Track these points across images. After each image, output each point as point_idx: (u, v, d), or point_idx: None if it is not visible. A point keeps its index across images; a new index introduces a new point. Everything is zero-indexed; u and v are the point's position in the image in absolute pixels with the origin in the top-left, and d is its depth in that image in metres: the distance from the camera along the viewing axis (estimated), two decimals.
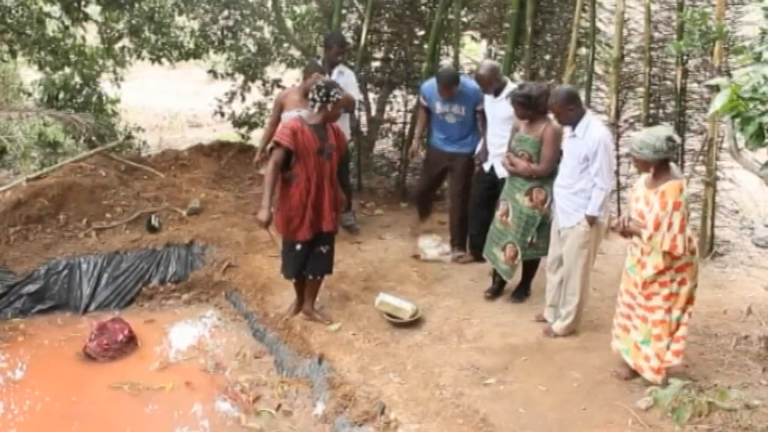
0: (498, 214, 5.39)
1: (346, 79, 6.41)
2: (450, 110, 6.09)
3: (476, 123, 6.08)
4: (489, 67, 5.65)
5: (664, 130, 4.05)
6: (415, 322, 5.21)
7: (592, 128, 4.62)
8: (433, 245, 6.47)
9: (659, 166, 3.98)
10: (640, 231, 4.01)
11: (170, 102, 13.38)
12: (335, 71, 6.48)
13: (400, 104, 8.44)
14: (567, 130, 4.80)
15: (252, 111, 9.51)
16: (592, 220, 4.69)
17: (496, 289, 5.67)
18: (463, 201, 6.21)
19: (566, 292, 4.93)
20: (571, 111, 4.65)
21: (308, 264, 5.11)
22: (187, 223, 6.89)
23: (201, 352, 5.45)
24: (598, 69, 6.89)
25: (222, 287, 6.21)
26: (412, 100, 8.15)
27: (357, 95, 6.78)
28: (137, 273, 6.27)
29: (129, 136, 9.11)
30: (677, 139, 4.02)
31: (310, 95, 4.87)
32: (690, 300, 4.18)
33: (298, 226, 4.96)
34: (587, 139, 4.59)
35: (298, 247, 5.03)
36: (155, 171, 7.71)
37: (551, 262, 5.01)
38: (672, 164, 4.06)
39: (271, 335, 5.41)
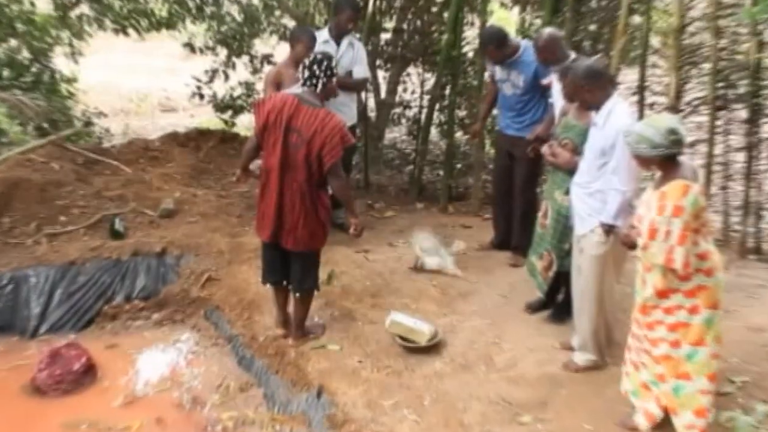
0: (539, 215, 5.42)
1: (356, 53, 6.45)
2: (508, 77, 6.25)
3: (543, 101, 6.15)
4: (548, 36, 5.67)
5: (667, 120, 3.88)
6: (433, 347, 5.22)
7: (615, 115, 4.49)
8: (431, 249, 6.53)
9: (663, 164, 3.85)
10: (637, 240, 3.92)
11: (138, 81, 13.44)
12: (344, 42, 6.52)
13: (415, 84, 8.47)
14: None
15: (237, 92, 9.53)
16: (607, 229, 4.59)
17: (542, 304, 5.69)
18: (526, 201, 6.30)
19: (578, 315, 4.93)
20: (588, 92, 4.56)
21: (289, 273, 5.24)
22: (158, 228, 6.93)
23: (175, 383, 5.42)
24: (655, 41, 6.86)
25: (201, 305, 6.24)
26: (430, 80, 8.16)
27: (366, 73, 6.82)
28: (98, 288, 6.27)
29: (88, 123, 9.16)
30: (682, 131, 3.81)
31: (306, 72, 4.87)
32: (709, 336, 3.92)
33: (259, 220, 5.13)
34: (607, 129, 4.49)
35: (264, 245, 5.21)
36: (120, 165, 7.75)
37: (574, 275, 4.99)
38: (685, 161, 3.91)
39: (259, 363, 5.40)
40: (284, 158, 4.84)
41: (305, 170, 4.83)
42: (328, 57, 4.94)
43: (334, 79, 4.92)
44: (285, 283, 5.31)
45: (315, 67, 4.84)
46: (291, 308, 5.43)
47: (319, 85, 4.86)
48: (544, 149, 5.26)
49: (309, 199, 4.91)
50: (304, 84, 4.88)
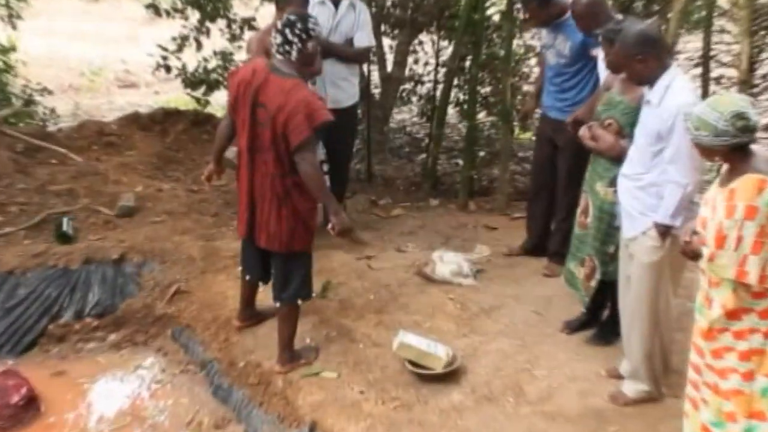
0: (577, 212, 5.43)
1: (357, 17, 6.52)
2: (553, 43, 6.33)
3: (591, 77, 6.18)
4: (587, 0, 5.76)
5: (734, 101, 3.70)
6: (451, 375, 5.21)
7: (673, 92, 4.42)
8: (447, 257, 6.57)
9: (730, 155, 3.71)
10: (701, 249, 3.80)
11: (91, 51, 13.39)
12: (344, 4, 6.60)
13: (428, 55, 8.46)
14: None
15: (212, 64, 9.50)
16: (663, 231, 4.54)
17: (584, 322, 5.72)
18: (570, 200, 6.24)
19: (628, 336, 4.93)
20: (640, 63, 4.47)
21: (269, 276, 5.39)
22: (115, 230, 6.96)
23: (136, 419, 5.39)
24: (723, 0, 6.85)
25: (167, 323, 6.23)
26: (446, 50, 8.16)
27: (369, 40, 6.88)
28: (41, 303, 6.25)
29: (29, 101, 9.14)
30: (753, 115, 3.64)
31: (278, 37, 4.88)
32: None
33: (240, 213, 5.26)
34: (663, 108, 4.42)
35: (243, 241, 5.39)
36: (68, 153, 7.74)
37: (622, 286, 5.01)
38: (758, 151, 3.74)
39: (239, 394, 5.39)
40: (252, 138, 4.90)
41: (273, 152, 4.85)
42: (302, 17, 4.93)
43: (311, 44, 4.89)
44: (263, 284, 5.52)
45: (287, 30, 4.83)
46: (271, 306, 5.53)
47: (293, 52, 4.84)
48: (583, 132, 5.25)
49: (281, 188, 4.92)
50: (277, 52, 4.89)
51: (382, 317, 5.95)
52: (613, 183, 5.01)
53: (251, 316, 5.78)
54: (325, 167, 6.57)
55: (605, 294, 5.44)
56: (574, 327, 5.74)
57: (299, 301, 5.27)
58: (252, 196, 5.03)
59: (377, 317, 5.94)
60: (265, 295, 5.70)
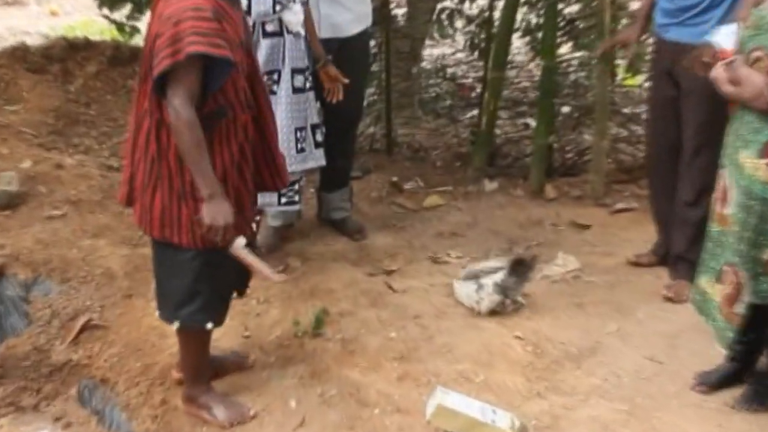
0: (713, 198, 5.42)
1: None
2: None
3: None
4: None
5: None
6: None
7: None
8: (476, 272, 6.65)
9: None
10: None
11: None
12: None
13: None
14: None
15: None
16: None
17: (728, 374, 5.67)
18: (703, 171, 6.34)
19: None
20: None
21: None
22: None
23: None
24: None
25: (71, 377, 6.15)
26: None
27: None
28: None
29: None
30: None
31: None
32: None
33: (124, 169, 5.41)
34: None
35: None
36: None
37: None
38: None
39: None
40: (139, 74, 5.15)
41: (144, 89, 5.05)
42: None
43: None
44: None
45: None
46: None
47: None
48: (717, 71, 5.23)
49: (155, 144, 5.04)
50: None
51: (409, 367, 5.95)
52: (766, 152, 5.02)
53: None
54: (319, 135, 6.75)
55: (761, 327, 5.42)
56: (713, 382, 5.68)
57: (202, 326, 5.38)
58: (132, 152, 5.21)
59: (401, 367, 5.95)
60: (227, 334, 5.81)
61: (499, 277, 6.51)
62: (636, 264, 7.08)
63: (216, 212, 4.87)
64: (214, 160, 5.01)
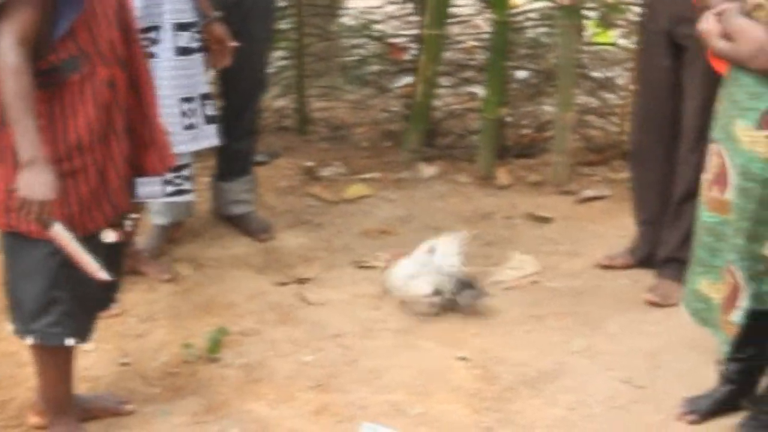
0: (705, 179, 5.11)
1: None
2: None
3: None
4: None
5: None
6: None
7: None
8: (415, 266, 6.46)
9: None
10: None
11: None
12: None
13: None
14: None
15: None
16: None
17: (723, 398, 5.37)
18: (699, 158, 6.11)
19: None
20: None
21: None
22: None
23: None
24: None
25: None
26: None
27: None
28: None
29: None
30: None
31: None
32: None
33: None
34: None
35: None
36: None
37: None
38: None
39: None
40: None
41: None
42: None
43: None
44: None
45: None
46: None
47: None
48: (704, 25, 4.98)
49: None
50: None
51: (328, 398, 5.61)
52: (766, 121, 4.75)
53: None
54: (210, 108, 6.51)
55: (762, 339, 5.16)
56: (705, 409, 5.38)
57: (60, 341, 5.05)
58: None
59: (318, 398, 5.60)
60: (100, 360, 5.68)
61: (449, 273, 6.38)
62: (608, 266, 6.90)
63: (34, 182, 4.49)
64: (67, 124, 4.75)
